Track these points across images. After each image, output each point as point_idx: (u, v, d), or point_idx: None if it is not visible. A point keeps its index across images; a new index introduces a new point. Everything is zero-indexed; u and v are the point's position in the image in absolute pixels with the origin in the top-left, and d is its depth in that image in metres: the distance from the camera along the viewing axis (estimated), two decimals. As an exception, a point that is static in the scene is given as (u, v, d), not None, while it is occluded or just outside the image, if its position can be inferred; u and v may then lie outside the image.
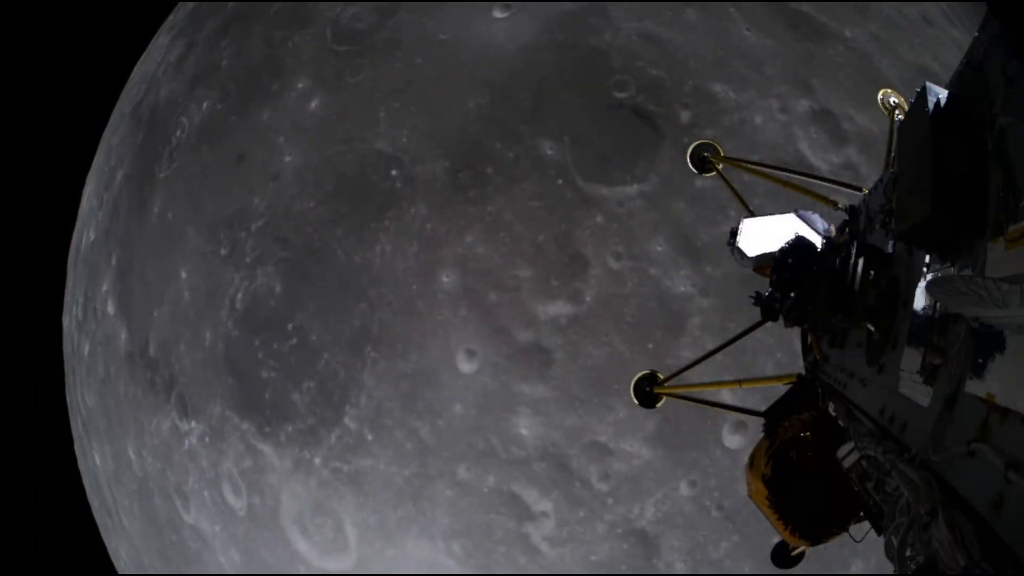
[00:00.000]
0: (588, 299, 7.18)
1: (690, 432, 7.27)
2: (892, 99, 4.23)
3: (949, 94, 2.32)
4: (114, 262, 9.90)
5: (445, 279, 7.25)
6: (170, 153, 9.28)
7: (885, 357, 2.61)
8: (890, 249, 2.89)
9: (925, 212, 2.05)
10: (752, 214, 4.66)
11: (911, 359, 2.25)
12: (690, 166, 5.35)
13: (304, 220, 7.71)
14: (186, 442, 8.62)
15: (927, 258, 2.35)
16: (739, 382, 5.53)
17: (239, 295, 8.01)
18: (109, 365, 9.91)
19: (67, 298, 11.32)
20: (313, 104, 8.01)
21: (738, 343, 4.90)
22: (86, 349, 10.57)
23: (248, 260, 7.99)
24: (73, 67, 12.70)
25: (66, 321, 11.32)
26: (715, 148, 5.28)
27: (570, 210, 7.18)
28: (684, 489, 7.38)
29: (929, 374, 2.12)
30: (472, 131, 7.35)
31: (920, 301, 2.33)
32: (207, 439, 8.36)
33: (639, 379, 5.06)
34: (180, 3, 10.65)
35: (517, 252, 7.19)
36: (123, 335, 9.54)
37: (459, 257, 7.24)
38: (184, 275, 8.55)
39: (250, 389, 7.92)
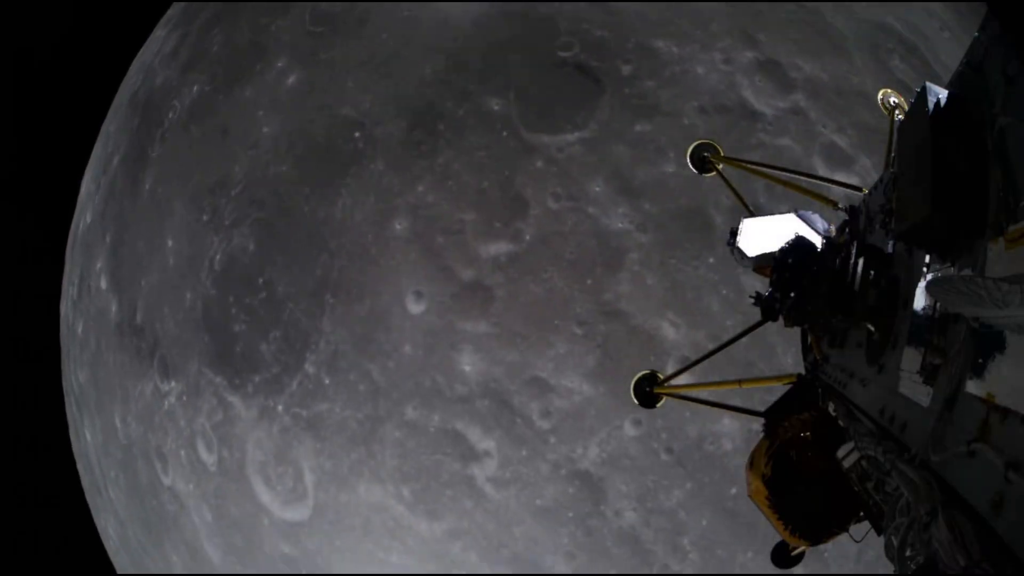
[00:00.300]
0: (528, 238, 7.47)
1: (633, 368, 7.37)
2: (892, 99, 4.23)
3: (949, 94, 2.32)
4: (108, 240, 10.23)
5: (397, 227, 7.63)
6: (162, 134, 9.76)
7: (885, 357, 2.61)
8: (890, 249, 2.89)
9: (925, 212, 2.05)
10: (752, 214, 4.66)
11: (911, 359, 2.25)
12: (690, 166, 5.35)
13: (277, 182, 8.20)
14: (166, 403, 8.92)
15: (927, 258, 2.35)
16: (739, 382, 5.53)
17: (217, 256, 8.48)
18: (100, 339, 10.15)
19: (64, 284, 11.51)
20: (290, 80, 8.58)
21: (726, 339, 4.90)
22: (80, 327, 10.77)
23: (227, 223, 8.45)
24: (73, 66, 12.72)
25: (63, 306, 11.45)
26: (715, 148, 5.28)
27: (513, 158, 7.56)
28: (629, 429, 7.43)
29: (929, 374, 2.12)
30: (427, 93, 7.81)
31: (920, 301, 2.33)
32: (184, 398, 8.68)
33: (639, 379, 5.06)
34: (175, 2, 10.87)
35: (463, 198, 7.54)
36: (113, 307, 9.86)
37: (410, 206, 7.60)
38: (170, 243, 9.01)
39: (223, 344, 8.28)
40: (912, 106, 2.58)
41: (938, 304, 2.15)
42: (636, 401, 5.04)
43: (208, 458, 8.56)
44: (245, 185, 8.40)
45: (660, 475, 7.42)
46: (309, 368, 7.73)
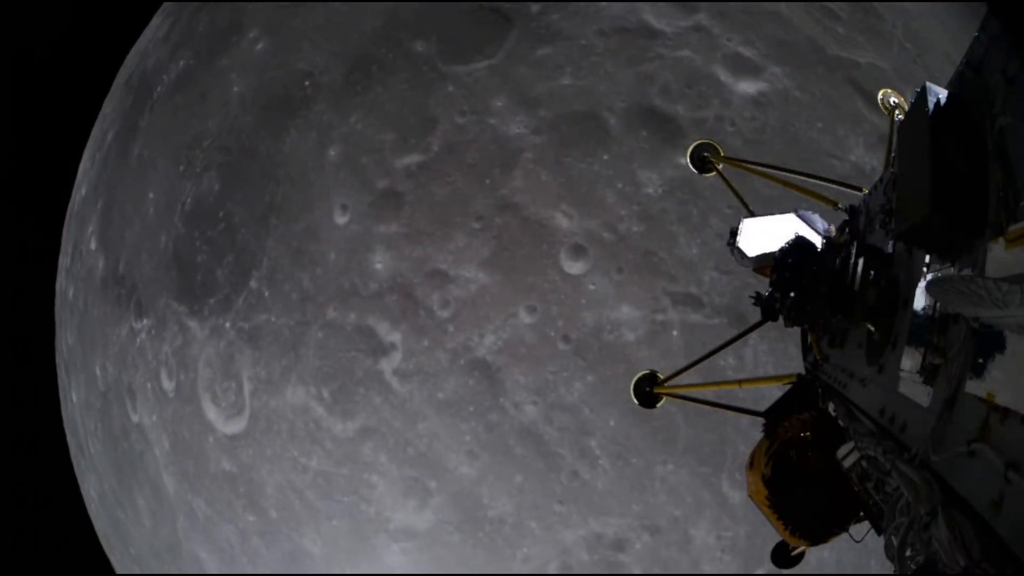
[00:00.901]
0: (436, 149, 8.30)
1: (526, 256, 7.91)
2: (892, 99, 4.23)
3: (949, 94, 2.32)
4: (99, 206, 10.95)
5: (332, 153, 8.63)
6: (151, 106, 10.63)
7: (885, 357, 2.61)
8: (890, 249, 2.89)
9: (925, 212, 2.05)
10: (752, 214, 4.66)
11: (911, 359, 2.25)
12: (690, 166, 5.35)
13: (242, 131, 9.24)
14: (137, 340, 9.66)
15: (927, 258, 2.35)
16: (739, 382, 5.53)
17: (188, 199, 9.44)
18: (88, 296, 10.75)
19: (60, 259, 11.93)
20: (259, 46, 9.67)
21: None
22: (71, 292, 11.29)
23: (198, 170, 9.45)
24: (72, 65, 12.72)
25: (58, 281, 11.82)
26: (715, 148, 5.28)
27: (429, 86, 8.47)
28: (524, 316, 7.80)
29: (929, 374, 2.12)
30: (367, 45, 8.91)
31: (920, 301, 2.33)
32: (153, 331, 9.48)
33: (639, 379, 5.05)
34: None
35: (386, 124, 8.50)
36: (101, 264, 10.59)
37: (343, 135, 8.61)
38: (151, 195, 9.95)
39: (187, 276, 9.17)
40: (912, 106, 2.58)
41: (938, 304, 2.15)
42: (636, 401, 5.04)
43: (168, 385, 9.27)
44: (215, 136, 9.42)
45: (558, 366, 7.68)
46: (253, 284, 8.57)
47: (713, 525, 7.55)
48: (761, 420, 3.75)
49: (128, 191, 10.33)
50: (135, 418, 9.68)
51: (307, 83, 8.91)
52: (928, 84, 2.37)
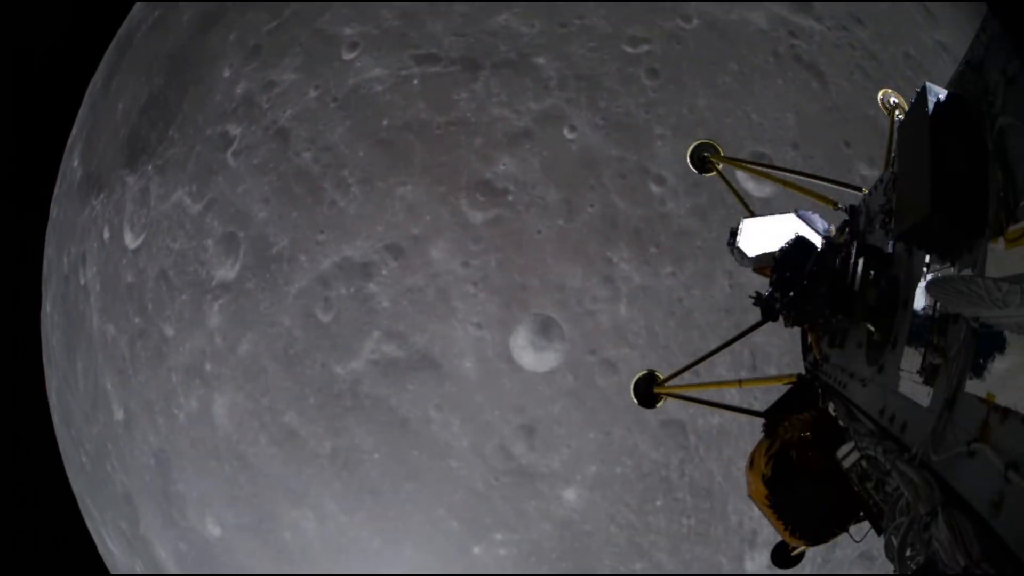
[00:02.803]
0: None
1: None
2: (892, 99, 4.23)
3: (949, 94, 2.32)
4: (80, 142, 12.12)
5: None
6: (131, 50, 11.73)
7: (885, 357, 2.61)
8: (890, 249, 2.89)
9: (925, 212, 2.05)
10: (752, 214, 4.66)
11: (911, 359, 2.25)
12: (690, 166, 5.34)
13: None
14: (93, 213, 10.99)
15: (927, 258, 2.35)
16: (739, 382, 5.54)
17: (144, 98, 10.86)
18: (65, 207, 11.98)
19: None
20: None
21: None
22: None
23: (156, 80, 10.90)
24: (73, 66, 12.72)
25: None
26: (715, 148, 5.28)
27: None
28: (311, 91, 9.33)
29: (929, 374, 2.12)
30: None
31: (920, 301, 2.33)
32: (104, 199, 10.85)
33: (639, 379, 5.06)
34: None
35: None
36: (78, 176, 11.74)
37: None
38: (120, 106, 11.27)
39: (134, 146, 10.65)
40: (912, 106, 2.58)
41: (938, 304, 2.15)
42: (636, 401, 5.04)
43: (106, 235, 10.65)
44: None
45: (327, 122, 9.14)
46: (171, 133, 10.19)
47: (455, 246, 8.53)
48: (761, 420, 3.75)
49: (105, 117, 11.55)
50: (82, 280, 10.99)
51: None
52: (928, 84, 2.37)
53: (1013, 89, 1.95)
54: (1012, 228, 1.71)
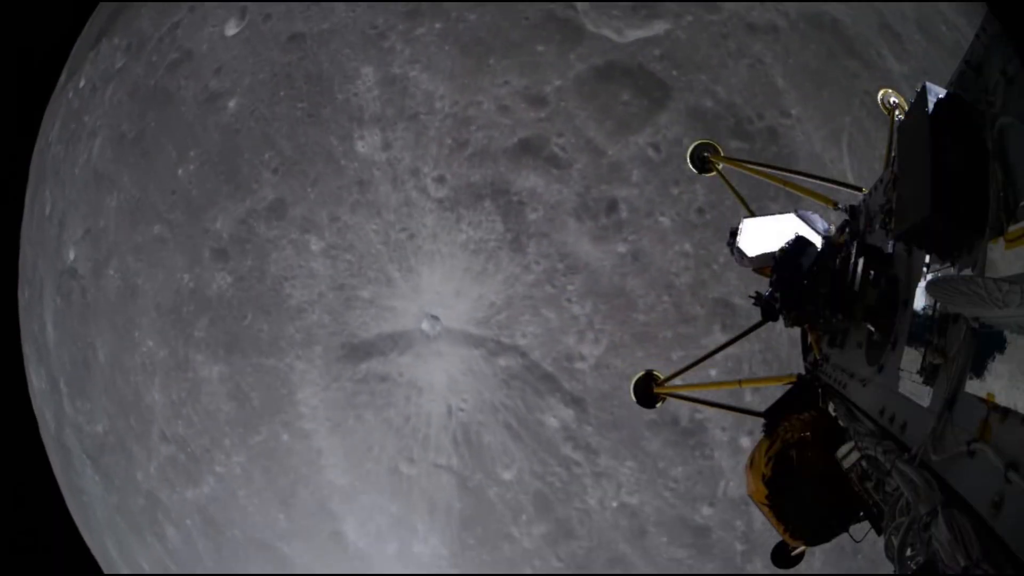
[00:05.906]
0: None
1: None
2: (892, 99, 4.23)
3: (949, 94, 2.32)
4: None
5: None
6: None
7: (885, 357, 2.61)
8: (890, 249, 2.89)
9: (925, 212, 2.05)
10: (752, 214, 4.65)
11: (911, 359, 2.25)
12: (690, 166, 5.34)
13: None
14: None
15: (927, 258, 2.35)
16: (739, 382, 5.53)
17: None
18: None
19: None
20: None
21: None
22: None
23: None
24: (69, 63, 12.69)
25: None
26: (715, 148, 5.28)
27: None
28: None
29: (929, 374, 2.12)
30: None
31: (920, 301, 2.33)
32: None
33: (639, 379, 5.05)
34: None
35: None
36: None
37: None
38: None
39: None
40: (912, 106, 2.58)
41: (938, 304, 2.15)
42: (636, 401, 5.03)
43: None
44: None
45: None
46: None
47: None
48: (762, 420, 3.75)
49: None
50: (47, 210, 12.14)
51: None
52: (928, 84, 2.36)
53: (1013, 89, 1.95)
54: (1012, 228, 1.71)
